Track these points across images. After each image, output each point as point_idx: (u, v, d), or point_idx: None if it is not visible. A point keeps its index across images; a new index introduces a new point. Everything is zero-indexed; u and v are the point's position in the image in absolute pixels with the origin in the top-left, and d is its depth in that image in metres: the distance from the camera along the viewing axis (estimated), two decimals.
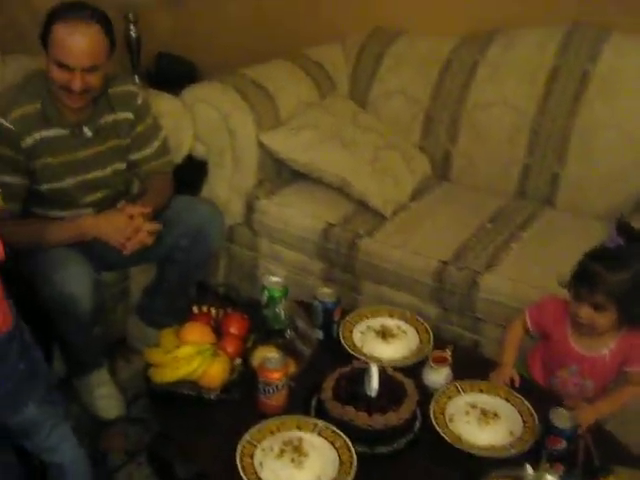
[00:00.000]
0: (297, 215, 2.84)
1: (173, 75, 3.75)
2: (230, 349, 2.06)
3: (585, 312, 1.96)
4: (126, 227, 2.33)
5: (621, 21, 2.92)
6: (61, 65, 2.20)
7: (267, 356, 1.94)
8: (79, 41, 2.17)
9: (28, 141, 2.27)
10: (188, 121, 2.88)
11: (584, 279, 1.95)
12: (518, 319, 2.17)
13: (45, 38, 2.21)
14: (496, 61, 3.04)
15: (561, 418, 1.81)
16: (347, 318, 2.23)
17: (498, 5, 3.16)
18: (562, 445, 1.79)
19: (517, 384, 2.05)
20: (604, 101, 2.84)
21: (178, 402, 1.99)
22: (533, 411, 1.93)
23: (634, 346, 2.01)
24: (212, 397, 1.98)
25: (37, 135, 2.29)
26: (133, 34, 3.50)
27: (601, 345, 2.04)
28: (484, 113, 3.03)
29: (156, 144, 2.58)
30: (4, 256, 1.65)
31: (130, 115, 2.49)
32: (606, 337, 2.02)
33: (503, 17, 3.13)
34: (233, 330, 2.14)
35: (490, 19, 3.15)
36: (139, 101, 2.51)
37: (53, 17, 2.19)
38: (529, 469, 1.70)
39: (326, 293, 2.19)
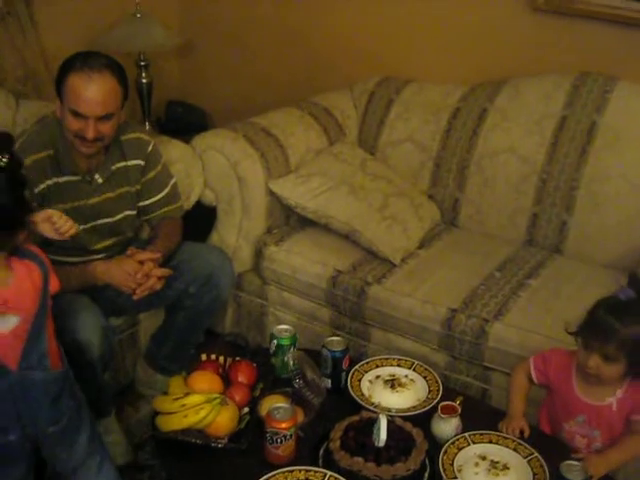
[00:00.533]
0: (305, 262, 2.85)
1: (183, 123, 3.80)
2: (238, 398, 2.06)
3: (594, 362, 1.95)
4: (136, 272, 2.35)
5: (628, 70, 2.95)
6: (76, 114, 2.24)
7: (275, 405, 1.93)
8: (93, 90, 2.22)
9: (41, 187, 2.31)
10: (198, 168, 2.92)
11: (596, 330, 1.94)
12: (520, 368, 2.16)
13: (60, 87, 2.26)
14: (504, 109, 3.07)
15: (572, 471, 1.80)
16: (356, 367, 2.23)
17: (506, 55, 3.21)
18: None
19: (527, 434, 2.04)
20: (611, 151, 2.86)
21: (185, 450, 1.98)
22: (544, 462, 1.92)
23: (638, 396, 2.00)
24: (220, 446, 1.98)
25: (49, 181, 2.32)
26: (144, 80, 3.54)
27: (607, 394, 2.02)
28: (492, 161, 3.04)
29: (166, 190, 2.61)
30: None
31: (141, 162, 2.52)
32: (612, 386, 2.01)
33: (511, 67, 3.17)
34: (241, 378, 2.14)
35: (498, 69, 3.19)
36: (150, 148, 2.54)
37: (68, 67, 2.24)
38: None
39: (334, 342, 2.19)
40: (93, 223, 2.44)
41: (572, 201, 2.91)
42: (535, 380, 2.13)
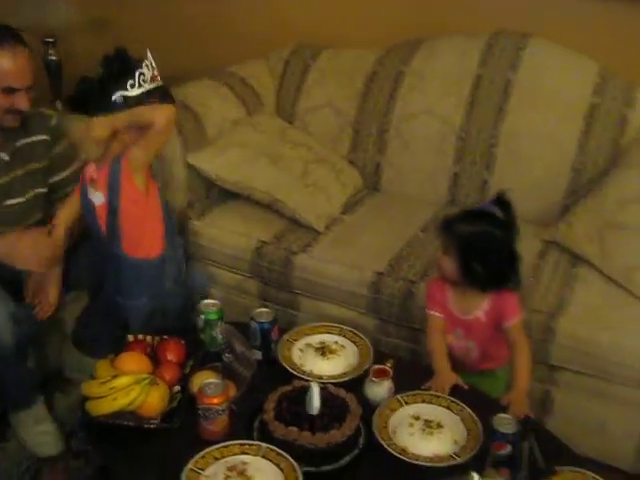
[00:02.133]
0: (229, 235, 2.82)
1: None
2: (168, 376, 2.03)
3: (437, 254, 2.16)
4: (39, 244, 2.31)
5: (540, 27, 2.98)
6: (6, 90, 2.22)
7: (206, 381, 1.91)
8: (20, 62, 2.23)
9: None
10: None
11: (443, 223, 2.13)
12: (429, 322, 2.22)
13: None
14: (420, 71, 3.08)
15: (504, 423, 1.82)
16: (285, 337, 2.22)
17: (420, 16, 3.21)
18: (506, 450, 1.80)
19: (464, 386, 2.08)
20: (527, 108, 2.90)
21: (118, 433, 1.95)
22: (476, 418, 1.95)
23: (504, 305, 2.13)
24: (152, 426, 1.94)
25: None
26: (52, 58, 3.44)
27: (474, 308, 2.16)
28: (411, 123, 3.05)
29: (77, 164, 2.54)
30: None
31: (46, 137, 2.46)
32: (478, 300, 2.15)
33: (426, 28, 3.17)
34: (170, 357, 2.11)
35: (413, 30, 3.19)
36: (53, 122, 2.49)
37: None
38: (475, 476, 1.70)
39: (262, 313, 2.17)
40: (3, 203, 2.37)
41: (491, 159, 2.94)
42: (441, 316, 2.20)
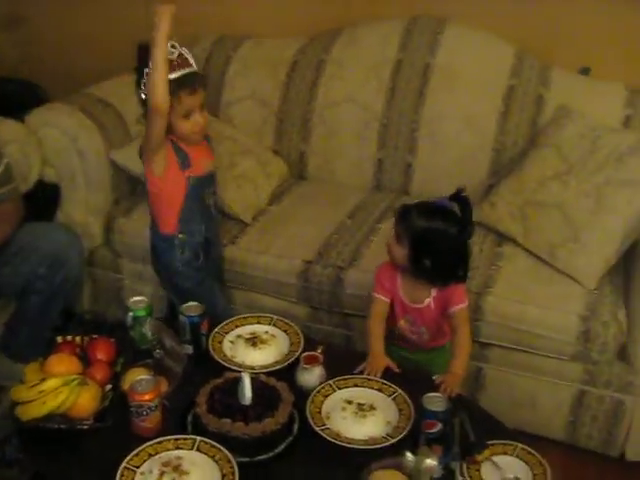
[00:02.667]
0: None
1: (18, 101, 3.62)
2: (99, 376, 2.01)
3: (389, 239, 2.15)
4: None
5: (456, 11, 3.03)
6: None
7: (136, 378, 1.90)
8: None
9: None
10: (34, 146, 2.80)
11: (398, 213, 2.14)
12: (373, 304, 2.23)
13: None
14: (341, 59, 3.10)
15: (434, 402, 1.85)
16: (216, 329, 2.22)
17: (340, 4, 3.23)
18: (438, 427, 1.83)
19: (396, 369, 2.10)
20: (446, 91, 2.96)
21: (51, 437, 1.92)
22: (407, 398, 1.98)
23: (451, 292, 2.16)
24: (85, 427, 1.93)
25: None
26: None
27: (424, 296, 2.18)
28: (334, 111, 3.07)
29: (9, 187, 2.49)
30: None
31: None
32: (427, 288, 2.17)
33: (346, 16, 3.20)
34: (100, 356, 2.09)
35: (334, 19, 3.21)
36: None
37: None
38: (409, 455, 1.74)
39: (191, 307, 2.16)
40: None
41: (414, 143, 2.98)
42: (387, 300, 2.22)
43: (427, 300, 2.18)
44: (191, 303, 2.19)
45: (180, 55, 2.21)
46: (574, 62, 2.99)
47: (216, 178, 2.48)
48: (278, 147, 3.18)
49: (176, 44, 2.20)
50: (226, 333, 2.22)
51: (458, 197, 2.10)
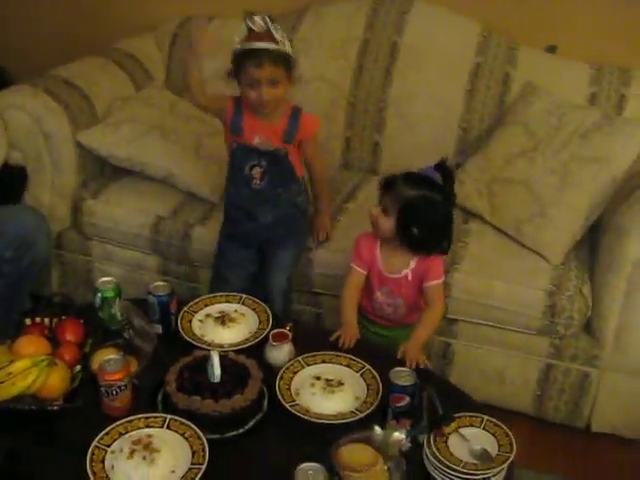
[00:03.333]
0: (126, 212, 2.81)
1: None
2: (68, 356, 2.02)
3: (375, 211, 2.18)
4: None
5: None
6: None
7: (105, 358, 1.91)
8: None
9: None
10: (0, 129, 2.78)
11: (384, 184, 2.18)
12: (349, 275, 2.28)
13: None
14: (308, 37, 3.10)
15: (401, 376, 1.88)
16: (185, 309, 2.23)
17: None
18: (405, 401, 1.86)
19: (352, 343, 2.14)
20: (414, 70, 2.98)
21: (21, 418, 1.92)
22: (376, 373, 2.00)
23: (429, 266, 2.22)
24: (55, 408, 1.93)
25: None
26: None
27: (403, 267, 2.23)
28: (301, 90, 3.02)
29: None
30: None
31: None
32: (406, 259, 2.22)
33: None
34: (69, 337, 2.09)
35: None
36: None
37: None
38: (377, 429, 1.76)
39: (159, 287, 2.17)
40: None
41: (382, 122, 3.00)
42: (364, 272, 2.26)
43: (405, 271, 2.22)
44: (159, 283, 2.20)
45: (265, 29, 2.26)
46: (540, 40, 3.02)
47: (275, 158, 2.44)
48: None
49: (268, 19, 2.26)
50: (195, 312, 2.23)
51: (442, 167, 2.14)
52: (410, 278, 2.23)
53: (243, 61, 2.29)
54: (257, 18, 2.25)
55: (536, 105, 2.76)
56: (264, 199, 2.45)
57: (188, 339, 2.12)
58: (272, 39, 2.26)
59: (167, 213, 2.78)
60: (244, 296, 2.30)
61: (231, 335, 2.14)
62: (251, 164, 2.43)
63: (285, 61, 2.31)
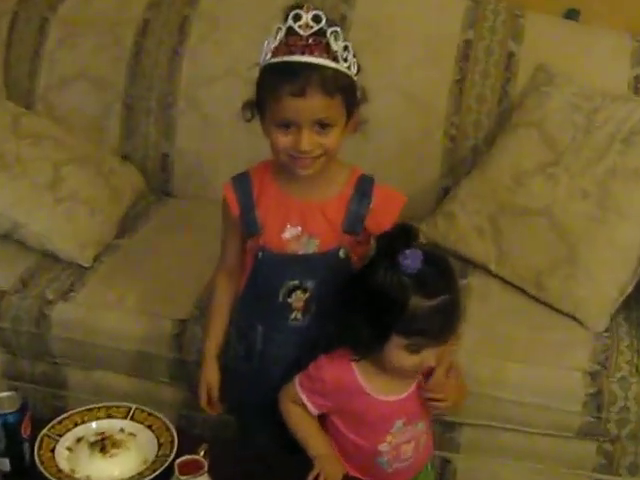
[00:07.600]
0: None
1: None
2: None
3: (427, 359, 2.04)
4: None
5: None
6: None
7: None
8: None
9: None
10: None
11: (417, 323, 1.99)
12: (286, 397, 2.21)
13: None
14: (212, 14, 3.21)
15: None
16: (44, 432, 2.19)
17: None
18: None
19: None
20: (371, 54, 2.97)
21: None
22: None
23: None
24: None
25: None
26: None
27: (406, 383, 2.15)
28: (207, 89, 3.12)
29: None
30: None
31: None
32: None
33: None
34: None
35: None
36: None
37: None
38: None
39: (3, 399, 2.14)
40: None
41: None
42: (314, 411, 2.18)
43: (412, 385, 2.16)
44: (2, 393, 2.17)
45: (314, 33, 1.95)
46: (556, 3, 3.09)
47: (330, 267, 2.16)
48: (129, 149, 3.24)
49: (323, 16, 1.94)
50: (60, 436, 2.20)
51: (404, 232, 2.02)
52: (414, 389, 2.16)
53: (273, 84, 1.97)
54: (304, 13, 1.94)
55: (554, 98, 2.80)
56: (305, 340, 2.22)
57: (50, 478, 2.09)
58: (327, 52, 1.95)
59: (12, 285, 2.77)
60: (134, 406, 2.28)
61: (116, 468, 2.12)
62: (288, 286, 2.18)
63: (346, 91, 1.99)
